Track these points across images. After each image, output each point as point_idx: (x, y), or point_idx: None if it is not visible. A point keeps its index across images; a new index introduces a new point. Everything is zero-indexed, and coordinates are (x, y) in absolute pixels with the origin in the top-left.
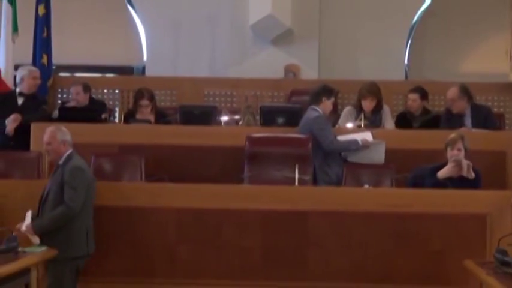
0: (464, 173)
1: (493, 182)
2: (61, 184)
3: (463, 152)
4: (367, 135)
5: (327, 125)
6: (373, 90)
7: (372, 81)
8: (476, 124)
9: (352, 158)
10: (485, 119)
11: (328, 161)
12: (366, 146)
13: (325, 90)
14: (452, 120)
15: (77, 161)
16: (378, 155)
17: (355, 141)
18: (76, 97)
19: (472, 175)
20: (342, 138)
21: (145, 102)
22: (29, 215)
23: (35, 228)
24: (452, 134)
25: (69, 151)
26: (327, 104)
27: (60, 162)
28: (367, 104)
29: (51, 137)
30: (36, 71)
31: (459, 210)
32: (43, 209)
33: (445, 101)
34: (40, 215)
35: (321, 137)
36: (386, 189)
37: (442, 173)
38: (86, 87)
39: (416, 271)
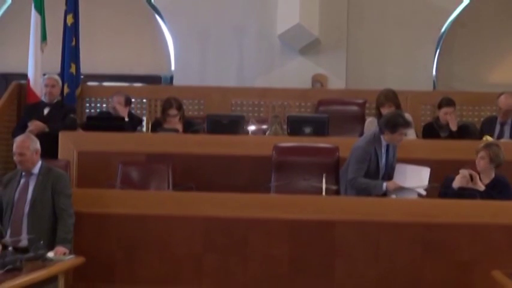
0: (471, 185)
1: None
2: (50, 193)
3: (486, 161)
4: (424, 172)
5: (361, 162)
6: (389, 96)
7: (387, 88)
8: None
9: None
10: None
11: None
12: (392, 191)
13: (387, 124)
14: (492, 127)
15: (58, 168)
16: (421, 180)
17: (379, 187)
18: (117, 106)
19: (482, 187)
20: (399, 169)
21: (173, 111)
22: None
23: (68, 247)
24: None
25: (40, 160)
26: (388, 136)
27: (35, 171)
28: (386, 111)
29: (24, 147)
30: (48, 78)
31: (487, 220)
32: (30, 219)
33: (497, 108)
34: (29, 227)
35: (350, 166)
36: (414, 199)
37: (454, 184)
38: (128, 100)
39: (443, 282)
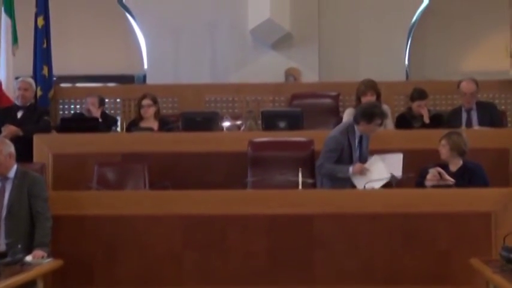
0: (442, 181)
1: (497, 179)
2: (26, 197)
3: (447, 148)
4: (397, 157)
5: (332, 151)
6: (370, 84)
7: (367, 78)
8: (482, 121)
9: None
10: (490, 116)
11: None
12: (358, 173)
13: (364, 115)
14: (458, 117)
15: (34, 172)
16: (396, 165)
17: (344, 170)
18: (90, 107)
19: (451, 180)
20: (370, 159)
21: (147, 101)
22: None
23: (46, 250)
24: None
25: (15, 164)
26: (364, 127)
27: (10, 175)
28: (368, 99)
29: None
30: (22, 82)
31: (464, 209)
32: (8, 224)
33: (460, 95)
34: (7, 231)
35: (321, 154)
36: (391, 189)
37: (427, 183)
38: (102, 101)
39: (423, 271)
